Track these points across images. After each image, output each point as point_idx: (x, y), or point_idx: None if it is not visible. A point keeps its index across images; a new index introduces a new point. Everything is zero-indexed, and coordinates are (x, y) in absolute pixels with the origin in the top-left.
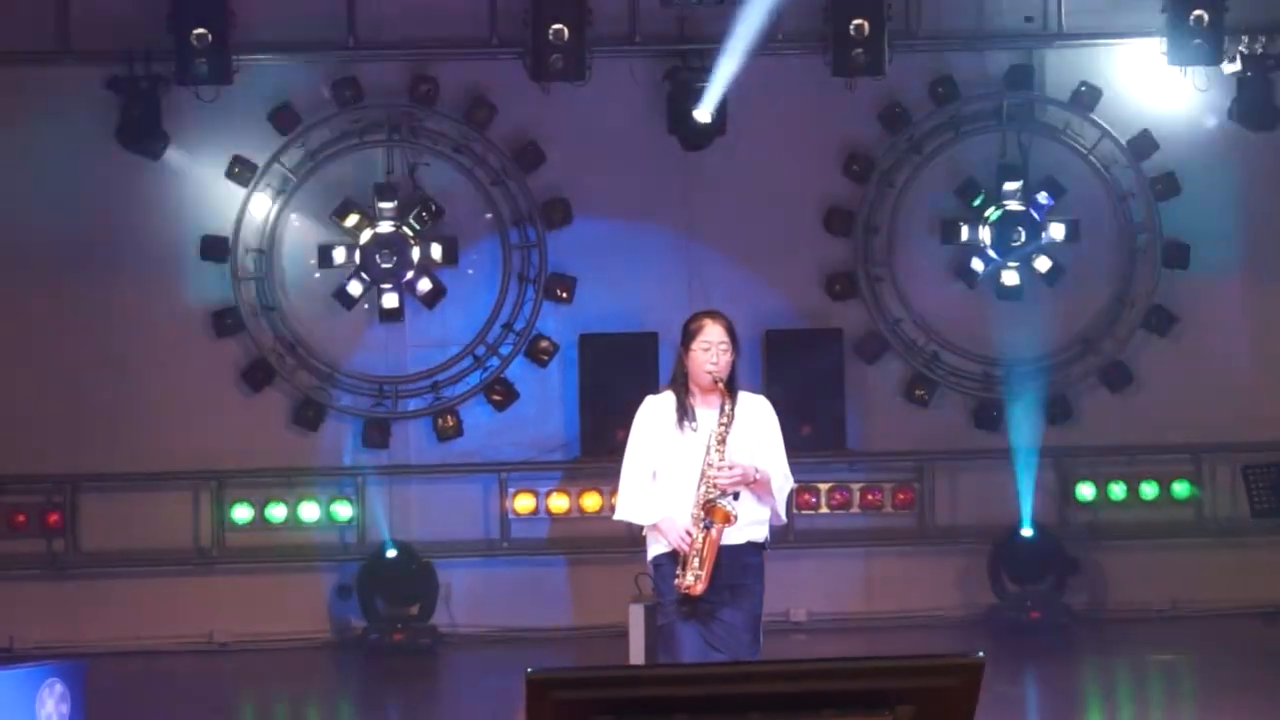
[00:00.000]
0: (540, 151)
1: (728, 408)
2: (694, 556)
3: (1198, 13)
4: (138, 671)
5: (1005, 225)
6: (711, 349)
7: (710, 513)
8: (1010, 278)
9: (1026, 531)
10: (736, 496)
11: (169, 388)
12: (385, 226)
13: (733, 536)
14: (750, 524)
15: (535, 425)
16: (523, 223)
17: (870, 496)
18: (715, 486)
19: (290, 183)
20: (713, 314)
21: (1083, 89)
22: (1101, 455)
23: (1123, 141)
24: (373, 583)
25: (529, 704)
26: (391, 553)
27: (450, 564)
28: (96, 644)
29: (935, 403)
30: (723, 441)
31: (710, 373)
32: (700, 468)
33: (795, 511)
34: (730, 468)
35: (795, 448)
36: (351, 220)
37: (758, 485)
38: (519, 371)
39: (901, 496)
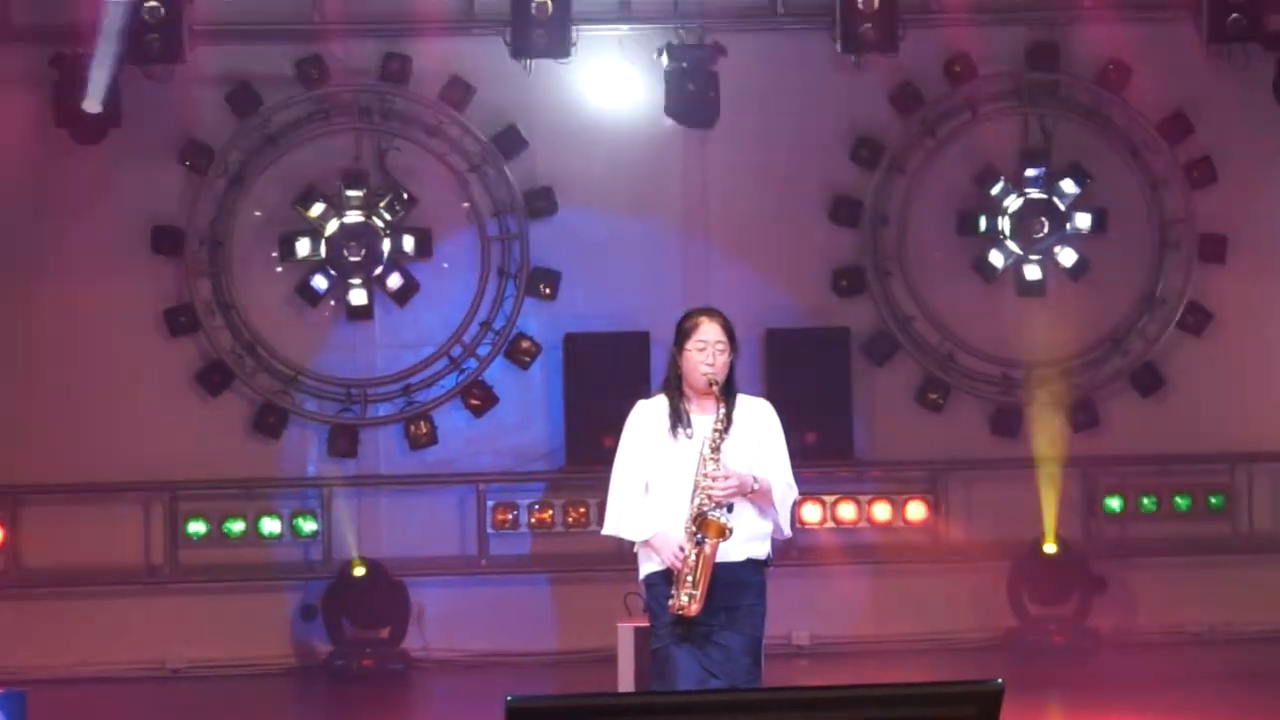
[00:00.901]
0: (521, 135)
1: (723, 413)
2: (688, 575)
3: None
4: (83, 700)
5: (1026, 215)
6: (707, 349)
7: (703, 527)
8: (1032, 272)
9: (1049, 548)
10: (731, 509)
11: (118, 392)
12: (353, 217)
13: (731, 553)
14: (750, 539)
15: (516, 432)
16: (503, 213)
17: (879, 509)
18: (709, 498)
19: (249, 169)
20: (709, 311)
21: (1111, 67)
22: (1131, 465)
23: (1154, 124)
24: (339, 603)
25: None
26: (359, 571)
27: (423, 583)
28: (38, 670)
29: (950, 408)
30: (718, 449)
31: (706, 375)
32: (695, 478)
33: (799, 525)
34: (726, 478)
35: (799, 456)
36: (316, 210)
37: (758, 496)
38: (498, 374)
39: (913, 509)
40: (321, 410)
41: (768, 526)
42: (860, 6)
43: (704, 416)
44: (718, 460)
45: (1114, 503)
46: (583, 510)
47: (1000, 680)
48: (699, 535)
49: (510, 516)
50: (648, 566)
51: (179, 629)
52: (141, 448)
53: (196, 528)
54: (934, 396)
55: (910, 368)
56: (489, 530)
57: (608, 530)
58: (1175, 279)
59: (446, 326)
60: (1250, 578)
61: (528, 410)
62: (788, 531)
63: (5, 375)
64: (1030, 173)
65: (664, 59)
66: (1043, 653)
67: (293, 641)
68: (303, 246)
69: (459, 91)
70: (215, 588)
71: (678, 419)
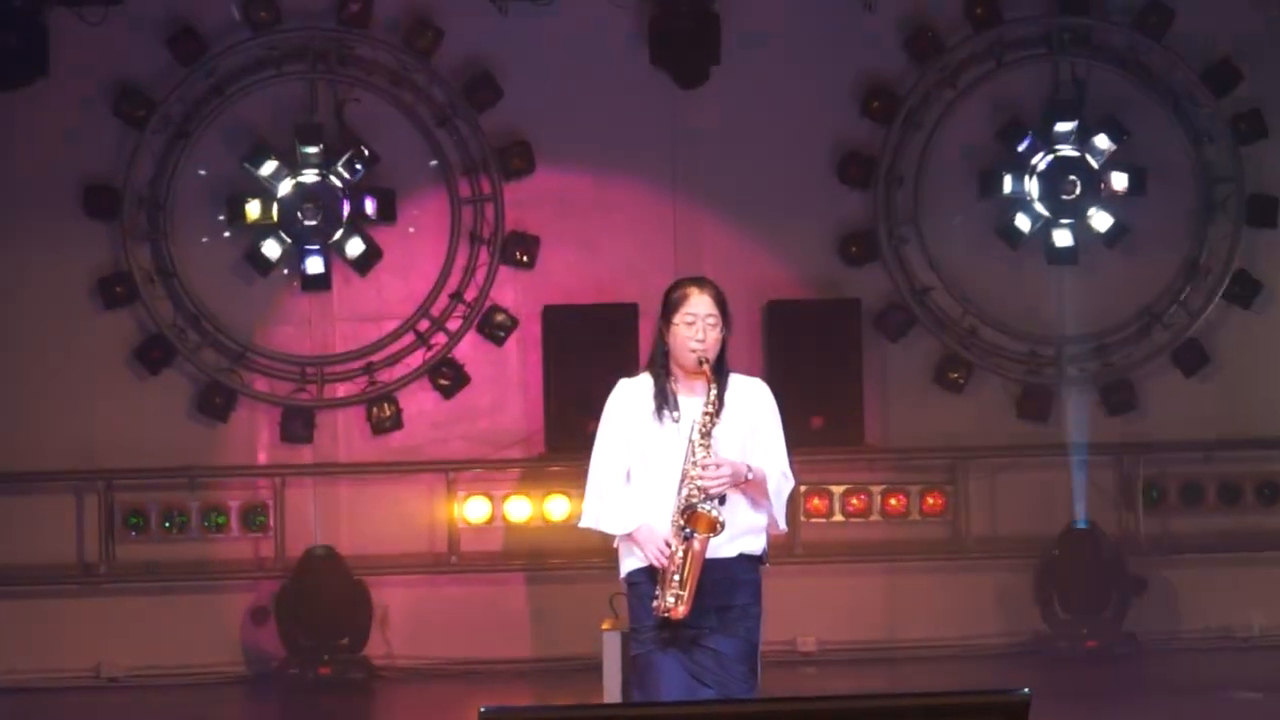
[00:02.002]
0: (496, 85)
1: (714, 395)
2: (674, 573)
3: None
4: (9, 712)
5: (1056, 175)
6: (697, 323)
7: (692, 520)
8: (1062, 238)
9: (1081, 544)
10: (723, 501)
11: (46, 370)
12: (308, 175)
13: (722, 548)
14: (743, 533)
15: (490, 415)
16: (475, 171)
17: (893, 501)
18: (699, 489)
19: (193, 122)
20: (699, 281)
21: (1150, 10)
22: (1172, 451)
23: (1198, 72)
24: (294, 605)
25: None
26: (316, 569)
27: (387, 582)
28: None
29: (972, 388)
30: (708, 435)
31: (695, 352)
32: (682, 466)
33: (803, 519)
34: (717, 466)
35: (803, 443)
36: (267, 168)
37: (750, 486)
38: (470, 351)
39: (931, 501)
40: (273, 391)
41: (762, 520)
42: None
43: (692, 398)
44: (708, 447)
45: (1153, 493)
46: (563, 502)
47: (1027, 690)
48: (687, 529)
49: (483, 508)
50: (630, 563)
51: (116, 633)
52: (73, 432)
53: (135, 521)
54: (954, 376)
55: (928, 344)
56: (460, 524)
57: (586, 523)
58: (1221, 245)
59: (412, 298)
60: None
61: (502, 391)
62: (783, 526)
63: None
64: (1060, 127)
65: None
66: (1074, 660)
67: (242, 647)
68: (252, 209)
69: (426, 36)
70: (156, 588)
71: (663, 400)
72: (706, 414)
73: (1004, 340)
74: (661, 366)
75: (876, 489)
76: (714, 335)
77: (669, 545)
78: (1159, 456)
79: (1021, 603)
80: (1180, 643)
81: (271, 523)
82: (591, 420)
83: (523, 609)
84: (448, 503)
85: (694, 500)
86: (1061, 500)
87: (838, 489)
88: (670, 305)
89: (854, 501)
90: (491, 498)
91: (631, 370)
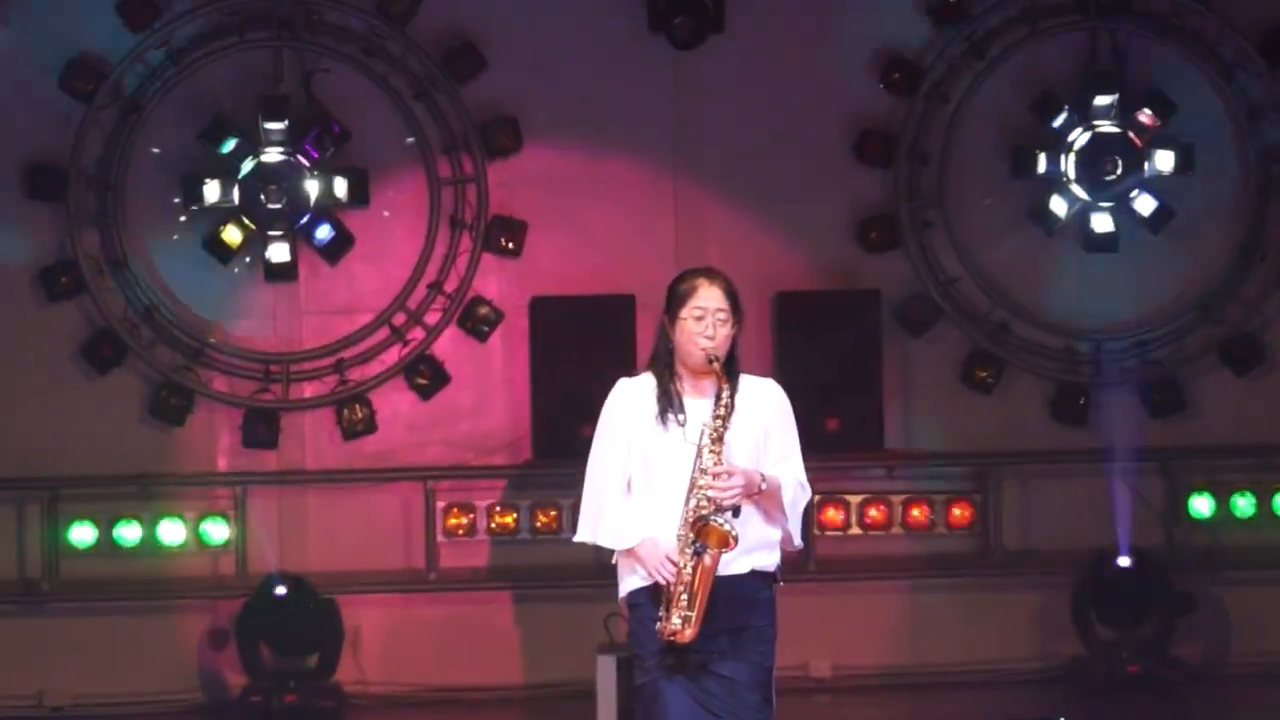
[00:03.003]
0: (479, 54)
1: (726, 396)
2: (681, 592)
3: None
4: None
5: (1095, 153)
6: (706, 318)
7: (702, 534)
8: (1102, 222)
9: (1123, 559)
10: (736, 513)
11: None
12: (273, 154)
13: (733, 564)
14: (756, 548)
15: (472, 418)
16: (455, 149)
17: (916, 512)
18: (709, 500)
19: (146, 95)
20: (709, 272)
21: None
22: (1223, 458)
23: (1252, 41)
24: (257, 627)
25: None
26: (281, 589)
27: (360, 602)
28: None
29: (1002, 388)
30: (719, 440)
31: (705, 349)
32: (690, 475)
33: (817, 532)
34: (729, 475)
35: (817, 449)
36: (228, 145)
37: (764, 498)
38: (451, 347)
39: (957, 512)
40: (234, 391)
41: (776, 534)
42: None
43: (700, 400)
44: (719, 454)
45: (1202, 504)
46: (553, 513)
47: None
48: (697, 544)
49: (465, 520)
50: (630, 582)
51: (60, 658)
52: (13, 437)
53: (82, 534)
54: (983, 375)
55: (954, 339)
56: (439, 537)
57: (581, 537)
58: (1277, 229)
59: (387, 289)
60: None
61: (486, 391)
62: (799, 542)
63: None
64: (1100, 101)
65: None
66: (1115, 687)
67: (200, 673)
68: (211, 191)
69: (402, 1)
70: (105, 607)
71: (668, 403)
72: (717, 417)
73: (1038, 335)
74: (666, 365)
75: (897, 499)
76: (724, 331)
77: (674, 562)
78: (1208, 463)
79: (1057, 624)
80: (1232, 668)
81: (232, 536)
82: (584, 423)
83: (508, 631)
84: (426, 514)
85: (704, 512)
86: (1101, 511)
87: (855, 499)
88: (677, 298)
89: (873, 513)
90: (474, 508)
91: (627, 368)
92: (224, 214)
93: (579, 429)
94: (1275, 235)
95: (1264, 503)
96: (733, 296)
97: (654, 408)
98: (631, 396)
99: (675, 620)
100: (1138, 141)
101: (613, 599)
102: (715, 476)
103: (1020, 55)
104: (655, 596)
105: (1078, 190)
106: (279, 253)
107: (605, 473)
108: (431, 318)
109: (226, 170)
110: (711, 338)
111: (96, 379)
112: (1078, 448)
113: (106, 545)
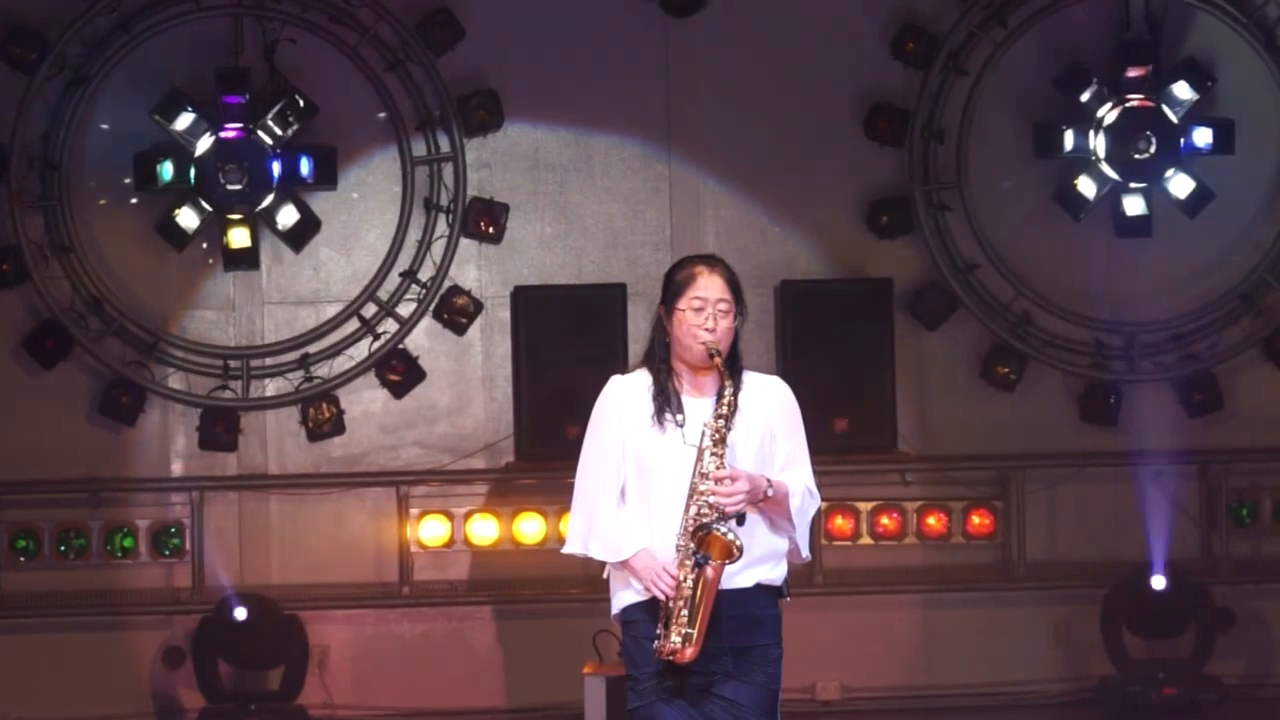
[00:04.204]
0: (456, 22)
1: (728, 394)
2: (681, 608)
3: None
4: None
5: (1127, 130)
6: (706, 309)
7: (704, 544)
8: (1134, 205)
9: (1157, 572)
10: (741, 521)
11: None
12: (231, 131)
13: (737, 578)
14: (761, 560)
15: (450, 417)
16: (431, 126)
17: (931, 520)
18: (710, 507)
19: (95, 66)
20: (709, 260)
21: None
22: (1265, 460)
23: None
24: (215, 644)
25: None
26: (241, 604)
27: (327, 618)
28: None
29: (1025, 385)
30: (721, 442)
31: (705, 343)
32: (690, 480)
33: (825, 542)
34: (732, 479)
35: (825, 451)
36: (183, 121)
37: (770, 505)
38: (426, 340)
39: (977, 520)
40: (190, 388)
41: (783, 544)
42: None
43: (700, 399)
44: (721, 456)
45: (1243, 510)
46: (538, 522)
47: None
48: (699, 555)
49: (442, 529)
50: (625, 597)
51: (4, 677)
52: None
53: (24, 544)
54: (1004, 370)
55: (973, 332)
56: (413, 548)
57: (570, 548)
58: None
59: (356, 277)
60: None
61: (464, 388)
62: (807, 554)
63: None
64: (1131, 73)
65: None
66: (1148, 709)
67: (153, 694)
68: (165, 170)
69: None
70: (49, 623)
71: (665, 402)
72: (719, 417)
73: (1064, 328)
74: (662, 361)
75: (911, 506)
76: (726, 324)
77: (672, 575)
78: (1249, 466)
79: (1085, 642)
80: (1274, 689)
81: (188, 546)
82: (572, 423)
83: (489, 649)
84: (399, 522)
85: (706, 520)
86: (1132, 519)
87: (865, 506)
88: (674, 288)
89: (885, 521)
90: (451, 516)
91: (619, 364)
92: (179, 196)
93: (566, 430)
94: None
95: None
96: (735, 286)
97: (649, 407)
98: (625, 395)
99: (675, 638)
100: (1173, 118)
101: (602, 615)
102: (717, 481)
103: (1045, 23)
104: (653, 613)
105: (1108, 170)
106: (239, 238)
107: (597, 479)
108: (405, 309)
109: (181, 148)
110: (712, 330)
111: (40, 375)
112: (1108, 450)
113: (51, 556)
